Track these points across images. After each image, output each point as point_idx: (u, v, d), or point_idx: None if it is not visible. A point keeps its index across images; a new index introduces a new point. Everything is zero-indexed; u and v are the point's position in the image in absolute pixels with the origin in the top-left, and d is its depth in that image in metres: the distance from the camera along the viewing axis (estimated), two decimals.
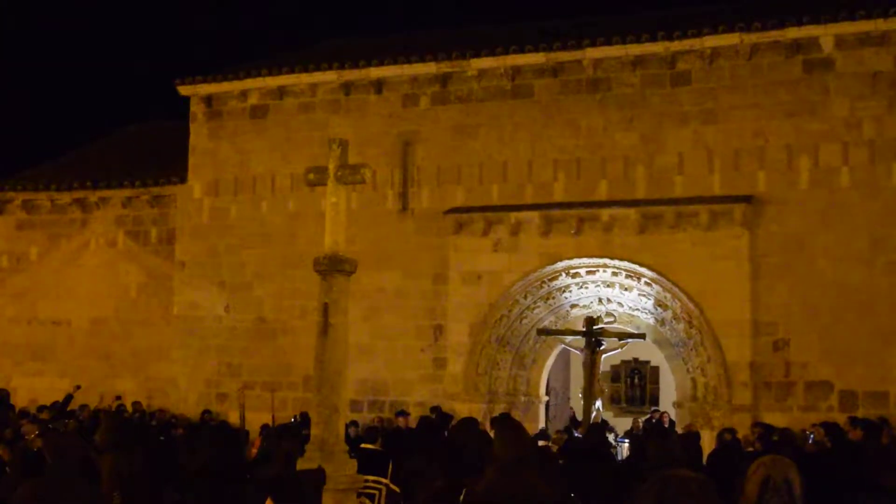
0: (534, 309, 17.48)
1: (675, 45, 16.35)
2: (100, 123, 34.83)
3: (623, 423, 19.98)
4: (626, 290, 16.90)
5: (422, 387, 17.57)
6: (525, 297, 17.32)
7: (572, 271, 17.00)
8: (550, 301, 17.45)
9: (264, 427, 14.42)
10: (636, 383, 23.28)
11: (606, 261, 16.64)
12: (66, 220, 21.13)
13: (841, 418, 13.85)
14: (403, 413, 16.38)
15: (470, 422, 6.65)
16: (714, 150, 16.18)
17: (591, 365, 15.29)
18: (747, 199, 15.78)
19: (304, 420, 14.75)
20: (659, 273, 16.21)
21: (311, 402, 8.97)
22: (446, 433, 13.54)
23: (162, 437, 14.50)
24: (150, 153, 21.51)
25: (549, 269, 17.00)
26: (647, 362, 22.65)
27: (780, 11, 16.24)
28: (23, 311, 21.24)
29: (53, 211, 21.17)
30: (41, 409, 16.95)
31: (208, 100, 19.65)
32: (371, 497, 9.11)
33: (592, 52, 16.82)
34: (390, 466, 10.49)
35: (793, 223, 15.62)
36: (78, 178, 21.03)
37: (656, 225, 16.25)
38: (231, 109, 19.53)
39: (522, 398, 17.81)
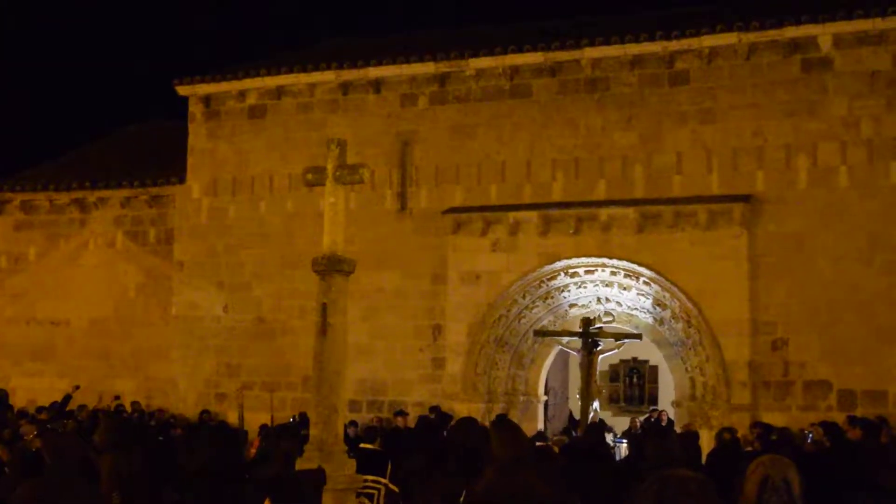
0: (532, 308, 17.48)
1: (674, 45, 16.36)
2: (99, 123, 34.80)
3: (622, 423, 19.98)
4: (624, 289, 16.90)
5: (420, 387, 17.57)
6: (523, 297, 17.32)
7: (571, 271, 17.00)
8: (549, 301, 17.46)
9: (263, 427, 14.43)
10: (635, 382, 23.27)
11: (605, 260, 16.64)
12: (64, 221, 21.12)
13: (840, 418, 13.86)
14: (402, 413, 16.40)
15: (469, 421, 6.66)
16: (712, 150, 16.19)
17: (587, 366, 15.27)
18: (746, 199, 15.79)
19: (303, 420, 14.75)
20: (657, 272, 16.22)
21: (310, 402, 8.97)
22: (445, 433, 13.56)
23: (161, 438, 14.50)
24: (149, 153, 21.51)
25: (548, 268, 17.00)
26: (646, 361, 22.64)
27: (778, 11, 16.25)
28: (21, 312, 21.23)
29: (52, 211, 21.16)
30: (40, 409, 16.95)
31: (207, 100, 19.65)
32: (370, 497, 9.11)
33: (591, 52, 16.82)
34: (389, 466, 10.50)
35: (791, 223, 15.62)
36: (76, 178, 21.02)
37: (655, 224, 16.26)
38: (229, 109, 19.53)
39: (521, 398, 17.80)
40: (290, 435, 11.37)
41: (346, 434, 10.68)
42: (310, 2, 42.54)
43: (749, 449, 12.29)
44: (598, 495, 8.18)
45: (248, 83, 19.20)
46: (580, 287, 17.24)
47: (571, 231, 16.69)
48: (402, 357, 17.75)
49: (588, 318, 16.14)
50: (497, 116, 17.49)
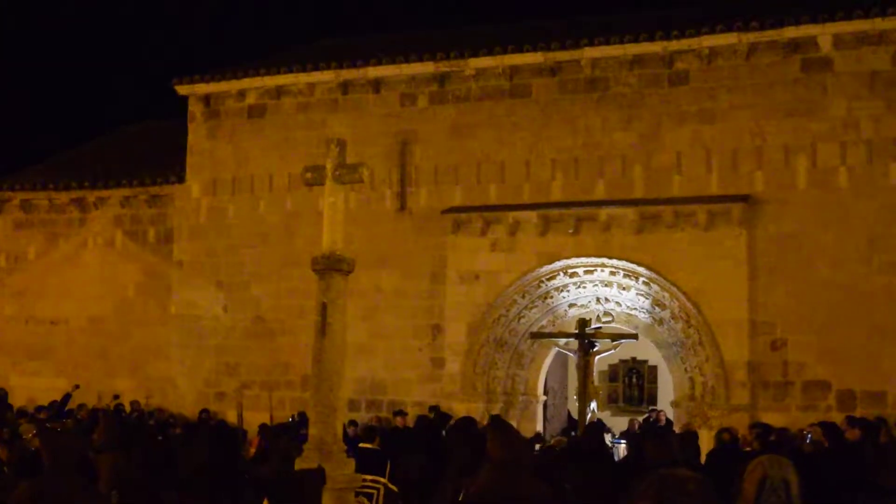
0: (531, 308, 17.48)
1: (673, 45, 16.36)
2: (99, 123, 34.82)
3: (620, 423, 19.97)
4: (623, 289, 16.90)
5: (420, 386, 17.57)
6: (523, 297, 17.32)
7: (570, 271, 16.99)
8: (548, 301, 17.45)
9: (262, 426, 14.41)
10: (634, 383, 23.26)
11: (604, 260, 16.64)
12: (64, 220, 21.12)
13: (839, 418, 13.82)
14: (401, 412, 16.39)
15: (468, 421, 6.66)
16: (712, 150, 16.18)
17: (584, 367, 15.26)
18: (745, 199, 15.79)
19: (302, 419, 14.73)
20: (657, 272, 16.22)
21: (309, 401, 8.95)
22: (444, 433, 13.57)
23: (160, 437, 14.49)
24: (148, 153, 21.50)
25: (547, 268, 17.00)
26: (645, 362, 22.63)
27: (777, 11, 16.25)
28: (21, 311, 21.22)
29: (51, 210, 21.16)
30: (39, 408, 16.97)
31: (206, 99, 19.65)
32: (369, 496, 9.10)
33: (590, 52, 16.82)
34: (388, 466, 10.50)
35: (790, 223, 15.62)
36: (76, 177, 21.02)
37: (654, 224, 16.25)
38: (229, 109, 19.53)
39: (520, 398, 17.80)
40: (290, 435, 11.38)
41: (345, 433, 10.67)
42: (310, 1, 42.55)
43: (748, 449, 12.28)
44: (598, 495, 8.19)
45: (248, 83, 19.20)
46: (579, 287, 17.24)
47: (571, 231, 16.69)
48: (402, 357, 17.75)
49: (584, 319, 16.14)
50: (496, 116, 17.49)
